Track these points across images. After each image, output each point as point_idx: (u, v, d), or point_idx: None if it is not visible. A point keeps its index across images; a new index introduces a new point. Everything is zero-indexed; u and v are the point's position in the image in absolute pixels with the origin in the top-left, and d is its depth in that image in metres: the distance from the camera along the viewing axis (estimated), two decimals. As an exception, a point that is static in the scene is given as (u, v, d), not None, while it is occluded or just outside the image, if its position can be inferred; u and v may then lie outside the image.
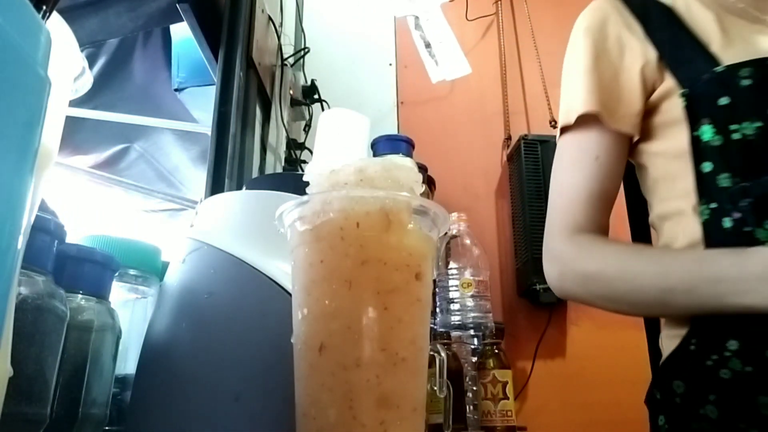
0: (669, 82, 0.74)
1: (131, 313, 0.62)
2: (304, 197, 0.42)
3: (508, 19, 1.97)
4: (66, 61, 0.49)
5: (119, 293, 0.59)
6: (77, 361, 0.47)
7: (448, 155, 1.74)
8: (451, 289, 1.27)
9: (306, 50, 1.64)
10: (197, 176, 1.94)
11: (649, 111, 0.76)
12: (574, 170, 0.77)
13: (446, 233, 1.28)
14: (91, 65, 1.57)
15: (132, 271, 0.61)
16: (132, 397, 0.52)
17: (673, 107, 0.73)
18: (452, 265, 1.28)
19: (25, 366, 0.38)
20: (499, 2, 1.97)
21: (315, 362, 0.40)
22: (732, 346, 0.63)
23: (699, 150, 0.69)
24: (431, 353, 0.49)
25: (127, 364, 0.58)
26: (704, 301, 0.63)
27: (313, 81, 1.59)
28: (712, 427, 0.63)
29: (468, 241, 1.30)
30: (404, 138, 1.19)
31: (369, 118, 0.62)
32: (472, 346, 1.31)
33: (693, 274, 0.64)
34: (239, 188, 1.07)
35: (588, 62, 0.78)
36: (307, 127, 1.57)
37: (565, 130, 0.80)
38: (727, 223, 0.65)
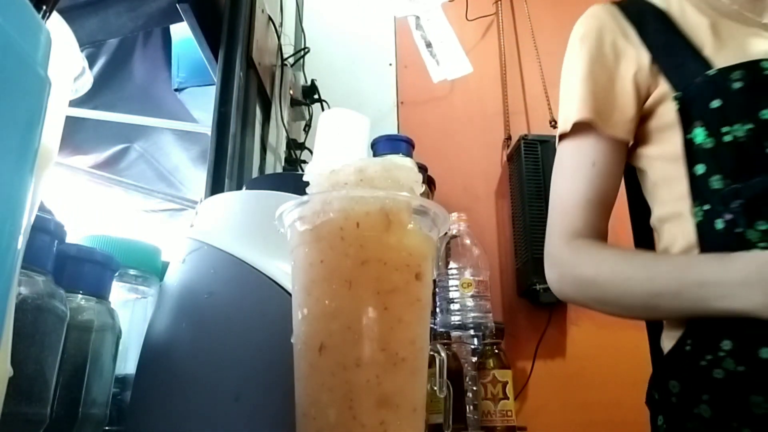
0: (663, 87, 0.75)
1: (131, 313, 0.62)
2: (304, 197, 0.42)
3: (508, 19, 1.97)
4: (66, 61, 0.49)
5: (119, 293, 0.59)
6: (77, 361, 0.47)
7: (448, 155, 1.74)
8: (451, 289, 1.27)
9: (306, 50, 1.64)
10: (197, 176, 1.94)
11: (645, 115, 0.77)
12: (572, 176, 0.78)
13: (446, 233, 1.28)
14: (91, 65, 1.57)
15: (132, 271, 0.61)
16: (132, 397, 0.52)
17: (668, 111, 0.74)
18: (452, 265, 1.28)
19: (25, 366, 0.38)
20: (499, 2, 1.97)
21: (315, 362, 0.40)
22: (726, 346, 0.64)
23: (692, 152, 0.70)
24: (431, 353, 0.49)
25: (127, 364, 0.58)
26: (690, 305, 0.64)
27: (313, 81, 1.59)
28: (706, 427, 0.64)
29: (468, 241, 1.30)
30: (404, 138, 1.19)
31: (369, 118, 0.62)
32: (472, 346, 1.31)
33: (679, 278, 0.66)
34: (239, 188, 1.07)
35: (584, 70, 0.80)
36: (307, 127, 1.57)
37: (563, 137, 0.81)
38: (719, 224, 0.66)
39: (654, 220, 0.77)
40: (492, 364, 1.23)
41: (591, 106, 0.77)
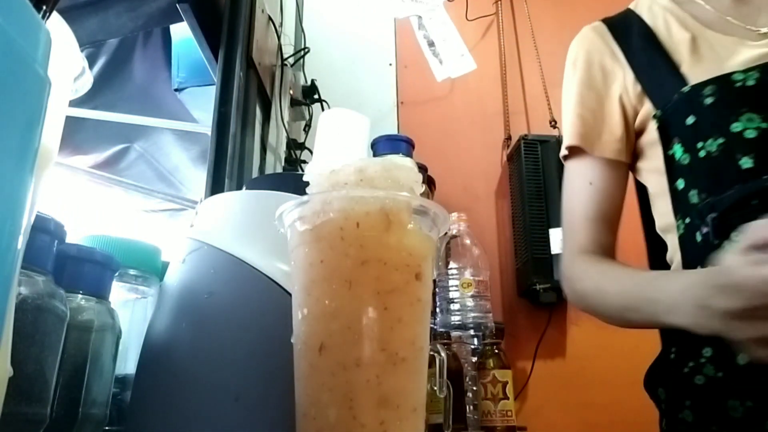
0: (647, 106, 0.77)
1: (131, 313, 0.62)
2: (304, 197, 0.42)
3: (508, 19, 1.97)
4: (66, 61, 0.49)
5: (119, 293, 0.59)
6: (77, 361, 0.47)
7: (448, 155, 1.74)
8: (451, 289, 1.27)
9: (306, 50, 1.63)
10: (197, 176, 1.93)
11: (639, 132, 0.80)
12: (575, 196, 0.82)
13: (446, 233, 1.28)
14: (91, 65, 1.57)
15: (132, 271, 0.61)
16: (132, 397, 0.52)
17: (653, 129, 0.77)
18: (452, 265, 1.28)
19: (25, 366, 0.38)
20: (499, 2, 1.97)
21: (315, 362, 0.40)
22: (707, 353, 0.66)
23: (672, 168, 0.73)
24: (431, 353, 0.49)
25: (127, 364, 0.58)
26: (647, 319, 0.67)
27: (313, 81, 1.59)
28: (689, 431, 0.67)
29: (468, 241, 1.30)
30: (404, 138, 1.18)
31: (369, 118, 0.63)
32: (472, 346, 1.31)
33: (638, 295, 0.69)
34: (239, 188, 1.07)
35: (574, 95, 0.83)
36: (307, 127, 1.57)
37: (565, 158, 0.85)
38: (698, 237, 0.68)
39: (658, 230, 0.80)
40: (492, 364, 1.23)
41: (579, 132, 0.81)
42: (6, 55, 0.27)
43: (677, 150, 0.72)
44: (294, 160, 1.45)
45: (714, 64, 0.72)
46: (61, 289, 0.43)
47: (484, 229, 1.66)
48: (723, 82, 0.68)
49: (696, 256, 0.68)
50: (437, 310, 1.26)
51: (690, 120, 0.70)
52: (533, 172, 1.64)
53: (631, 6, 0.86)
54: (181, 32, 1.55)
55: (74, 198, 2.02)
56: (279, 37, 1.50)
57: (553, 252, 1.54)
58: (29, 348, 0.39)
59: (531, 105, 1.85)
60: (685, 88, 0.71)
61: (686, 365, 0.68)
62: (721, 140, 0.67)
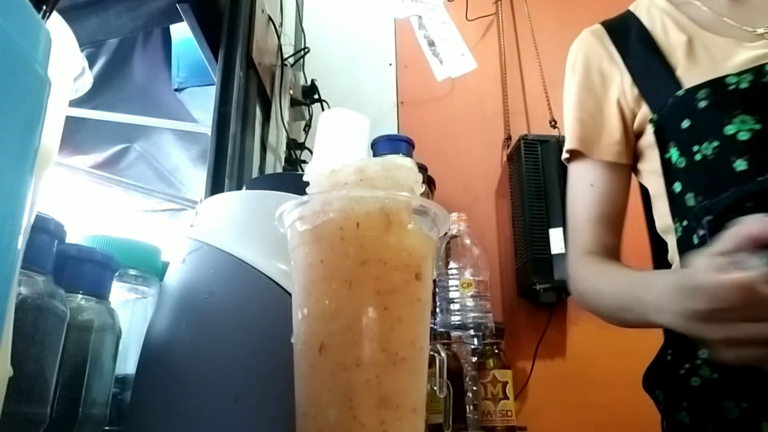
0: (645, 108, 0.78)
1: (131, 313, 0.62)
2: (304, 197, 0.42)
3: (508, 19, 1.97)
4: (66, 61, 0.49)
5: (119, 293, 0.59)
6: (77, 361, 0.47)
7: (448, 155, 1.74)
8: (451, 289, 1.27)
9: (306, 50, 1.63)
10: (197, 176, 1.93)
11: (638, 134, 0.80)
12: (576, 197, 0.83)
13: (446, 233, 1.28)
14: (91, 65, 1.57)
15: (132, 271, 0.61)
16: (132, 397, 0.52)
17: (651, 131, 0.77)
18: (452, 265, 1.28)
19: (25, 366, 0.38)
20: (499, 2, 1.97)
21: (315, 362, 0.40)
22: (703, 355, 0.67)
23: (669, 172, 0.74)
24: (431, 353, 0.49)
25: (127, 364, 0.58)
26: (639, 318, 0.67)
27: (313, 81, 1.59)
28: None
29: (468, 241, 1.30)
30: (404, 138, 1.18)
31: (369, 118, 0.63)
32: (472, 346, 1.31)
33: (630, 294, 0.69)
34: (239, 188, 1.07)
35: (572, 99, 0.84)
36: (307, 127, 1.57)
37: (567, 161, 0.86)
38: (695, 240, 0.68)
39: (659, 231, 0.80)
40: (492, 364, 1.23)
41: (578, 135, 0.82)
42: (6, 55, 0.27)
43: (673, 153, 0.73)
44: (294, 160, 1.45)
45: (709, 66, 0.72)
46: (61, 289, 0.43)
47: (484, 229, 1.66)
48: (717, 85, 0.69)
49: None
50: (437, 310, 1.26)
51: (685, 124, 0.71)
52: (533, 172, 1.64)
53: (631, 7, 0.86)
54: (181, 32, 1.55)
55: (74, 198, 2.02)
56: (279, 37, 1.50)
57: (553, 252, 1.54)
58: (29, 348, 0.39)
59: (531, 105, 1.85)
60: (680, 92, 0.72)
61: (682, 367, 0.69)
62: (715, 143, 0.67)
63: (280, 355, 0.44)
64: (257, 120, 1.32)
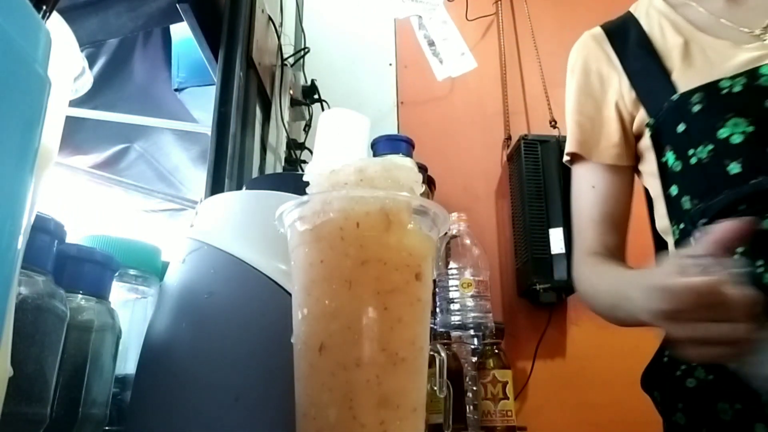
0: (642, 112, 0.78)
1: (131, 313, 0.62)
2: (304, 197, 0.42)
3: (508, 19, 1.97)
4: (66, 61, 0.49)
5: (119, 293, 0.59)
6: (77, 361, 0.47)
7: (448, 155, 1.74)
8: (451, 289, 1.26)
9: (306, 50, 1.63)
10: (197, 176, 1.93)
11: (638, 137, 0.81)
12: (579, 199, 0.84)
13: (446, 233, 1.28)
14: (91, 65, 1.57)
15: (132, 271, 0.61)
16: (132, 397, 0.52)
17: (648, 135, 0.78)
18: (452, 265, 1.28)
19: (25, 366, 0.38)
20: (499, 2, 1.97)
21: (315, 362, 0.40)
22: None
23: (666, 175, 0.75)
24: (431, 353, 0.49)
25: (127, 364, 0.58)
26: (629, 316, 0.68)
27: (313, 81, 1.59)
28: None
29: (468, 241, 1.30)
30: (404, 138, 1.18)
31: (369, 118, 0.63)
32: (472, 346, 1.31)
33: (622, 293, 0.70)
34: (239, 188, 1.07)
35: (572, 102, 0.85)
36: (307, 127, 1.56)
37: (569, 162, 0.87)
38: (692, 242, 0.68)
39: (659, 232, 0.81)
40: (492, 364, 1.23)
41: (578, 138, 0.83)
42: (6, 55, 0.27)
43: (670, 157, 0.73)
44: (294, 160, 1.45)
45: (704, 70, 0.73)
46: (61, 289, 0.43)
47: (484, 229, 1.66)
48: (710, 89, 0.69)
49: None
50: (437, 310, 1.26)
51: (681, 128, 0.71)
52: (533, 172, 1.64)
53: (632, 8, 0.87)
54: (181, 32, 1.55)
55: (74, 198, 2.02)
56: (279, 37, 1.50)
57: (553, 252, 1.54)
58: (29, 348, 0.39)
59: (531, 105, 1.85)
60: (675, 96, 0.72)
61: (678, 368, 0.70)
62: (710, 147, 0.68)
63: (280, 355, 0.44)
64: (257, 120, 1.32)
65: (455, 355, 1.19)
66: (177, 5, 1.15)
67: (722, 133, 0.67)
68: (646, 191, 0.84)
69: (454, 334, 1.28)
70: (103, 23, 1.36)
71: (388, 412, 0.39)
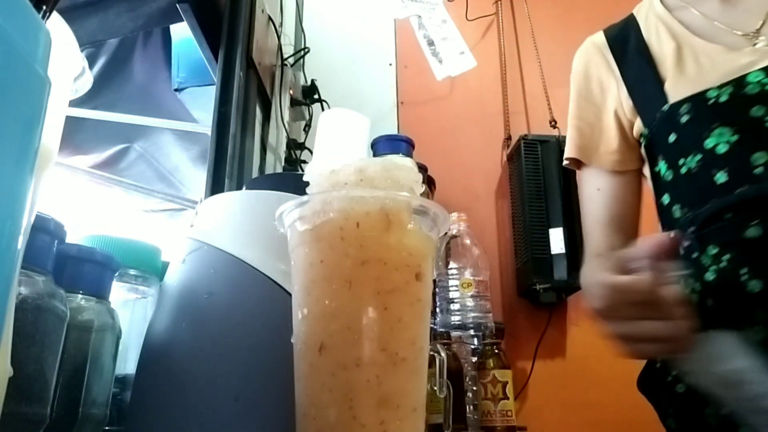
0: (639, 121, 0.79)
1: (131, 313, 0.62)
2: (304, 197, 0.42)
3: (508, 19, 1.97)
4: (66, 61, 0.49)
5: (119, 293, 0.59)
6: (77, 361, 0.47)
7: (448, 155, 1.74)
8: (451, 289, 1.26)
9: (306, 50, 1.63)
10: (197, 176, 1.93)
11: (640, 142, 0.81)
12: (585, 201, 0.85)
13: (446, 233, 1.28)
14: (91, 65, 1.57)
15: (132, 271, 0.61)
16: (132, 397, 0.52)
17: (643, 146, 0.79)
18: (452, 265, 1.28)
19: (25, 366, 0.38)
20: (499, 2, 1.97)
21: (315, 362, 0.40)
22: None
23: (659, 185, 0.76)
24: (431, 353, 0.49)
25: (127, 364, 0.58)
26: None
27: (313, 81, 1.59)
28: None
29: (468, 241, 1.30)
30: (404, 138, 1.18)
31: (369, 118, 0.63)
32: (472, 346, 1.31)
33: (587, 285, 0.71)
34: (239, 188, 1.07)
35: (573, 107, 0.86)
36: (307, 127, 1.56)
37: (569, 166, 0.88)
38: (681, 251, 0.70)
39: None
40: (492, 364, 1.23)
41: (577, 144, 0.84)
42: (6, 55, 0.27)
43: (662, 167, 0.75)
44: (294, 160, 1.45)
45: (694, 78, 0.73)
46: (61, 289, 0.43)
47: (484, 229, 1.66)
48: (697, 99, 0.70)
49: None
50: (437, 310, 1.26)
51: (671, 138, 0.72)
52: (533, 172, 1.64)
53: (635, 11, 0.87)
54: (181, 32, 1.55)
55: (74, 198, 2.02)
56: (279, 37, 1.50)
57: (553, 252, 1.54)
58: (29, 348, 0.39)
59: (531, 105, 1.84)
60: (665, 107, 0.73)
61: (669, 374, 0.70)
62: (698, 156, 0.69)
63: (280, 355, 0.44)
64: (257, 120, 1.32)
65: (455, 355, 1.19)
66: (177, 5, 1.15)
67: (709, 143, 0.68)
68: None
69: (454, 334, 1.28)
70: (103, 23, 1.36)
71: (388, 412, 0.39)
